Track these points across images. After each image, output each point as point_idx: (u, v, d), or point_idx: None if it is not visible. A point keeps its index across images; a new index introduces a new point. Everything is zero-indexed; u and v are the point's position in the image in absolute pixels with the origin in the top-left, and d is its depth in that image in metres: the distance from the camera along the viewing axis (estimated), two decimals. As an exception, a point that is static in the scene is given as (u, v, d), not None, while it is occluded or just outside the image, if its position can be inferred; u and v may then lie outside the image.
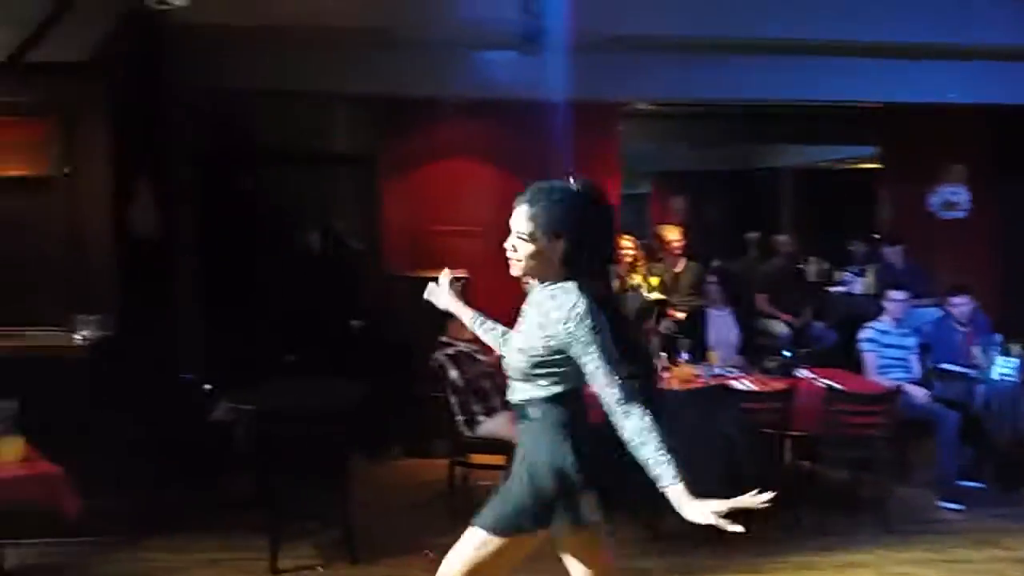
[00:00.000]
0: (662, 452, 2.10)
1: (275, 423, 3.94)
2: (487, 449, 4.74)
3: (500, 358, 2.53)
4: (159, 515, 4.48)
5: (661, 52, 6.06)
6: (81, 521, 3.58)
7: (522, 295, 2.47)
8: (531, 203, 2.29)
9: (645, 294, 6.10)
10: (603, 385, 2.18)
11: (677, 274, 6.41)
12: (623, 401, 2.15)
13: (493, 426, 4.66)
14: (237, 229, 5.68)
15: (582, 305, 2.20)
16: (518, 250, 2.31)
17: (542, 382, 2.30)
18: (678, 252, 6.49)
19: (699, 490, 2.06)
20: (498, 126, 6.44)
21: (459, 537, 2.34)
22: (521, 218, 2.29)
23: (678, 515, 2.09)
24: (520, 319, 2.41)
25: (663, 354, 4.95)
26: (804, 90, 6.40)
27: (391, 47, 5.61)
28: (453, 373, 4.73)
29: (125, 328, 4.44)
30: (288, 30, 5.30)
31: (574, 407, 2.30)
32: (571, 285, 2.27)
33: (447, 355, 4.80)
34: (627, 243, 6.67)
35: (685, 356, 4.90)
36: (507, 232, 2.32)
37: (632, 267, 6.49)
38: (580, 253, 2.27)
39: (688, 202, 7.94)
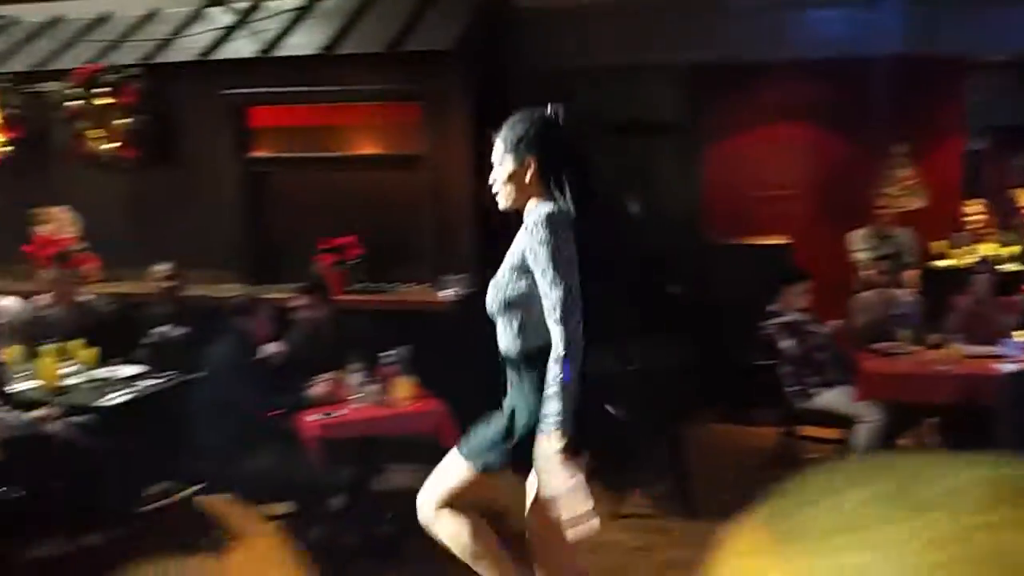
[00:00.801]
0: (556, 387, 2.08)
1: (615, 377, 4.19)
2: (819, 421, 4.68)
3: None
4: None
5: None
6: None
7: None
8: (505, 128, 2.36)
9: (999, 265, 5.52)
10: (546, 291, 2.15)
11: (1037, 243, 5.73)
12: (560, 311, 2.11)
13: (829, 398, 4.56)
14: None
15: (541, 215, 2.19)
16: (497, 178, 2.37)
17: (515, 323, 2.32)
18: (1038, 218, 5.79)
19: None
20: (827, 86, 6.15)
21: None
22: (496, 145, 2.36)
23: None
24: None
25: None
26: None
27: (722, 11, 5.59)
28: (785, 342, 4.68)
29: (483, 286, 4.94)
30: (617, 4, 5.50)
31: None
32: (543, 202, 2.26)
33: (779, 324, 4.75)
34: (975, 208, 6.08)
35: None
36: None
37: (981, 235, 5.91)
38: (550, 173, 2.27)
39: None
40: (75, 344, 4.67)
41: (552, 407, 2.11)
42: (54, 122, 5.47)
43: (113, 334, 4.89)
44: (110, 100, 5.25)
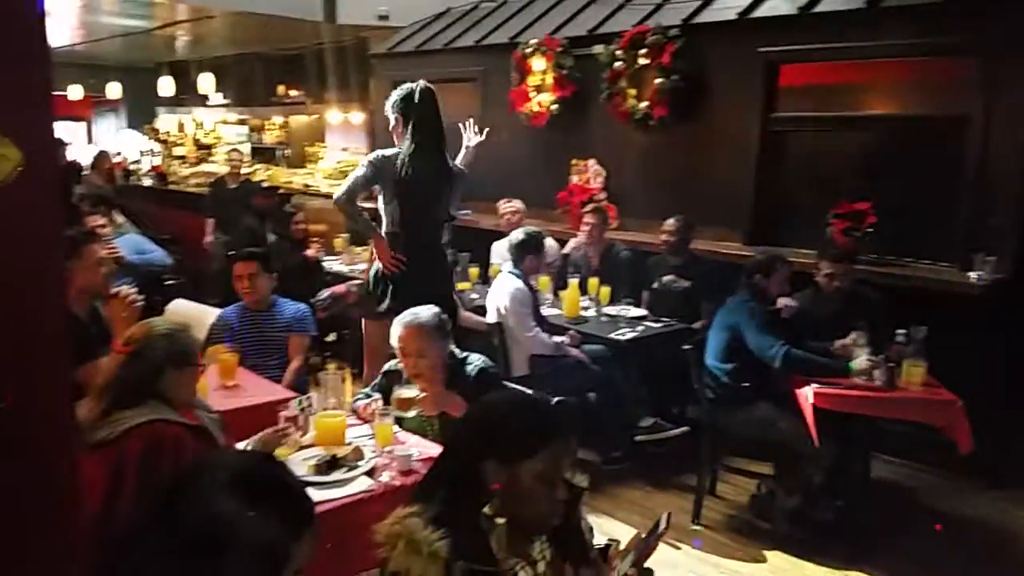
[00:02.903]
0: None
1: None
2: None
3: None
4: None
5: None
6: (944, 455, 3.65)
7: None
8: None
9: None
10: (344, 181, 3.90)
11: None
12: (342, 191, 3.84)
13: None
14: None
15: (375, 154, 3.85)
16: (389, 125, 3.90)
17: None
18: None
19: None
20: None
21: None
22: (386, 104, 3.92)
23: None
24: None
25: None
26: None
27: None
28: None
29: (1018, 274, 4.26)
30: None
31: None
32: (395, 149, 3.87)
33: None
34: None
35: None
36: None
37: None
38: (407, 125, 3.81)
39: None
40: (593, 282, 5.22)
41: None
42: (597, 81, 6.04)
43: (624, 277, 5.34)
44: (648, 61, 5.63)
